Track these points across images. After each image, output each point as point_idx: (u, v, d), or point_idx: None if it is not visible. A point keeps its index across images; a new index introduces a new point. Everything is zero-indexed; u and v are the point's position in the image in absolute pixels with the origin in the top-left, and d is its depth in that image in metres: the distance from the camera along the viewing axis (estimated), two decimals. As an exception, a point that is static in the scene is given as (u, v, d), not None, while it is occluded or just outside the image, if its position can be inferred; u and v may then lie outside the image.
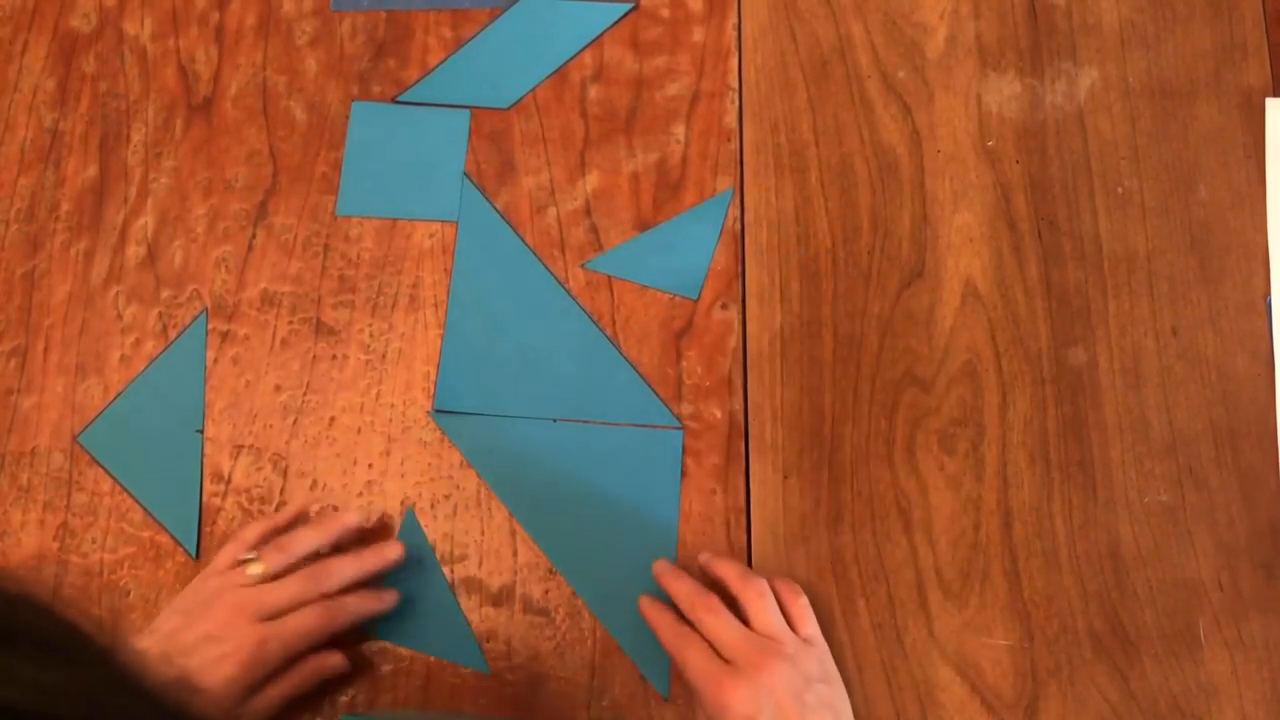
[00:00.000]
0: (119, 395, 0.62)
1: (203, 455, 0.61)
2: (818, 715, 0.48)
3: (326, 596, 0.53)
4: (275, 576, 0.53)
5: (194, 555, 0.59)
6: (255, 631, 0.50)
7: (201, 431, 0.61)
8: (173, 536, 0.59)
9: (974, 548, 0.57)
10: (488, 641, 0.57)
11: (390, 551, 0.56)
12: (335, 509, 0.59)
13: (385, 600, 0.55)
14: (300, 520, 0.58)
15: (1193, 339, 0.59)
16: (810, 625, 0.53)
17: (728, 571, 0.54)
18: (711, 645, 0.50)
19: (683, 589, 0.53)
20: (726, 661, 0.49)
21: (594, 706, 0.56)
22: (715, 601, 0.52)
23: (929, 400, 0.59)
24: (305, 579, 0.53)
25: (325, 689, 0.55)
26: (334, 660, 0.54)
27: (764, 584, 0.53)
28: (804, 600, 0.54)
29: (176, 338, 0.62)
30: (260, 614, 0.51)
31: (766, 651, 0.49)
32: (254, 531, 0.55)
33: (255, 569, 0.53)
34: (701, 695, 0.49)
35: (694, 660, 0.50)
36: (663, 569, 0.55)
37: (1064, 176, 0.62)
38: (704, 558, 0.56)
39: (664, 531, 0.58)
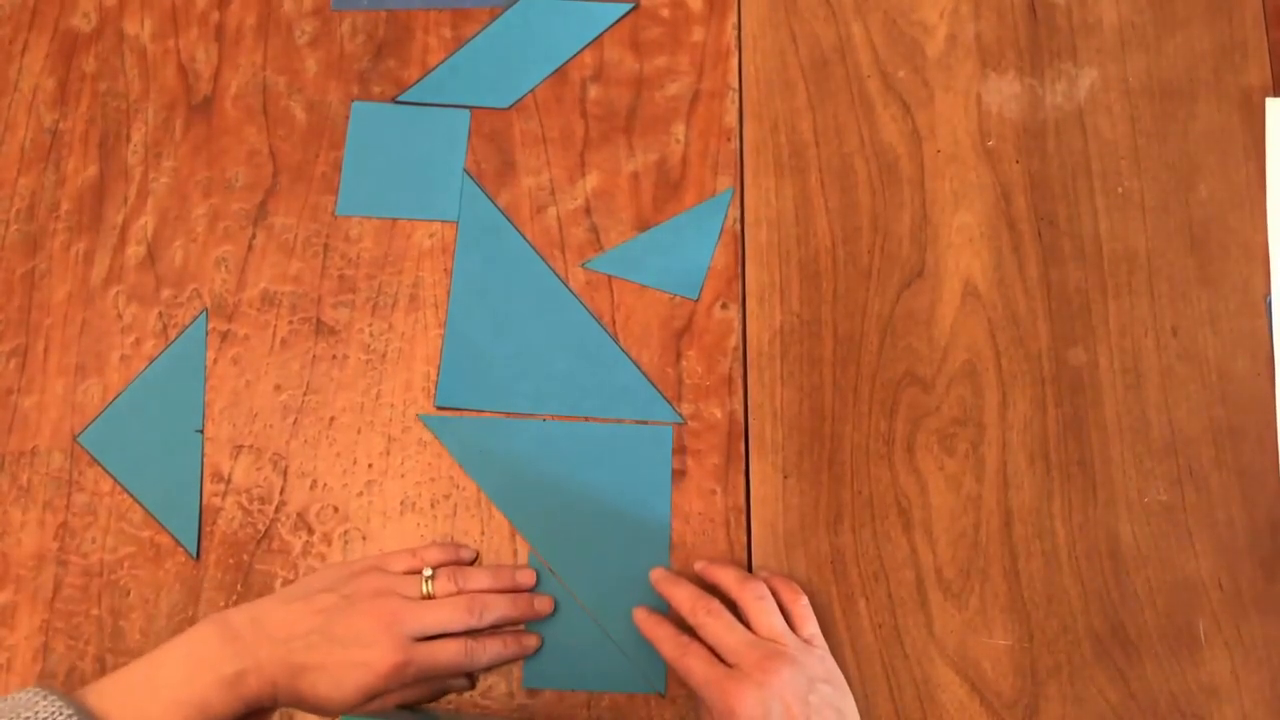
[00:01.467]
0: (119, 395, 0.62)
1: (203, 455, 0.61)
2: (822, 715, 0.48)
3: (473, 631, 0.54)
4: (438, 598, 0.55)
5: (194, 555, 0.59)
6: (401, 652, 0.51)
7: (201, 431, 0.61)
8: (173, 536, 0.59)
9: (974, 548, 0.57)
10: (488, 641, 0.57)
11: (542, 605, 0.57)
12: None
13: (526, 645, 0.56)
14: (476, 560, 0.59)
15: (1193, 339, 0.59)
16: (811, 625, 0.53)
17: (725, 576, 0.54)
18: (713, 650, 0.50)
19: (682, 594, 0.53)
20: (729, 666, 0.49)
21: (594, 706, 0.56)
22: (716, 605, 0.52)
23: (929, 400, 0.59)
24: (461, 610, 0.54)
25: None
26: (456, 683, 0.56)
27: (763, 586, 0.53)
28: (804, 600, 0.54)
29: (176, 338, 0.62)
30: (411, 631, 0.52)
31: (770, 654, 0.49)
32: (436, 556, 0.57)
33: (426, 587, 0.54)
34: (708, 702, 0.49)
35: (697, 668, 0.49)
36: (660, 576, 0.56)
37: (1064, 176, 0.62)
38: (700, 565, 0.56)
39: (658, 527, 0.58)
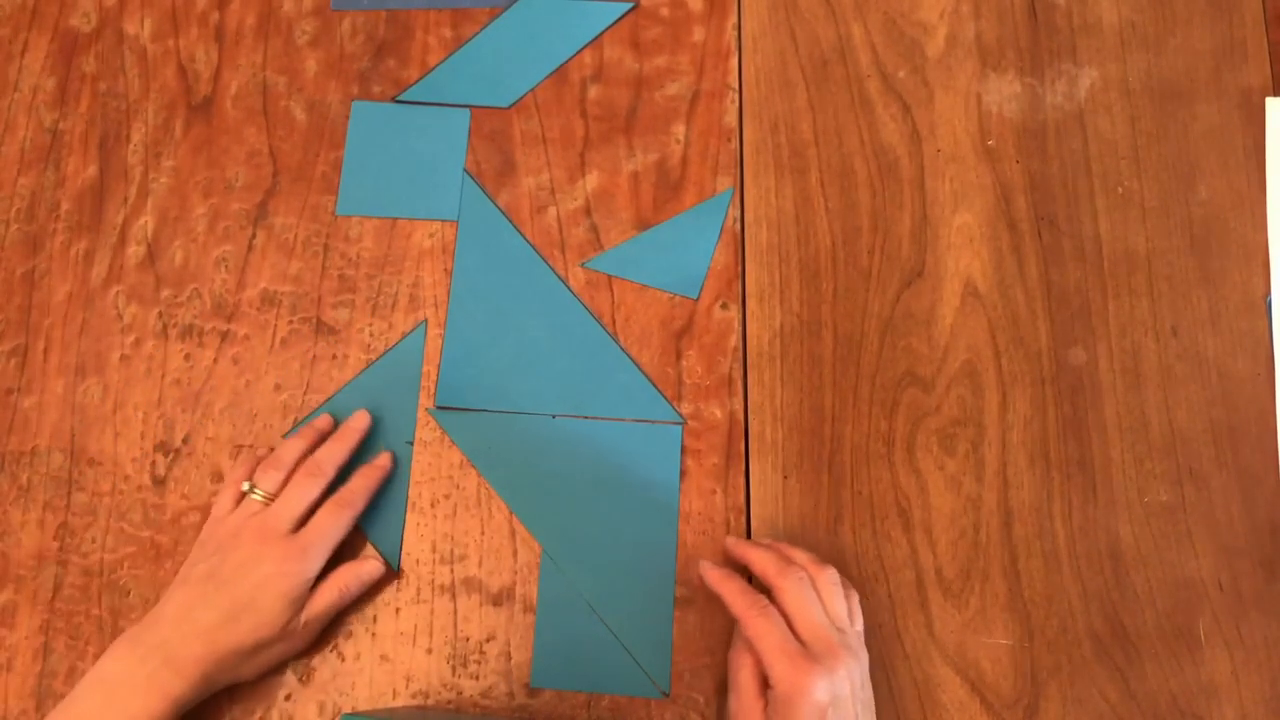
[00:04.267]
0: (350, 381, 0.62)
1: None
2: (869, 710, 0.48)
3: (332, 490, 0.56)
4: (277, 495, 0.55)
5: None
6: (291, 544, 0.53)
7: (411, 443, 0.60)
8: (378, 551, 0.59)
9: (974, 548, 0.57)
10: (487, 641, 0.57)
11: (358, 421, 0.59)
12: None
13: (380, 465, 0.58)
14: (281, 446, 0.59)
15: (1193, 339, 0.59)
16: (860, 620, 0.52)
17: (800, 554, 0.53)
18: (787, 619, 0.49)
19: (767, 556, 0.52)
20: (800, 641, 0.48)
21: (594, 706, 0.56)
22: (804, 575, 0.51)
23: (929, 400, 0.59)
24: (305, 479, 0.55)
25: (368, 597, 0.57)
26: (370, 565, 0.57)
27: (836, 573, 0.52)
28: (856, 596, 0.53)
29: (397, 344, 0.62)
30: (285, 529, 0.54)
31: (842, 643, 0.48)
32: (241, 469, 0.57)
33: (258, 495, 0.55)
34: (774, 671, 0.47)
35: (772, 633, 0.48)
36: (735, 541, 0.55)
37: (1064, 176, 0.62)
38: (768, 543, 0.55)
39: (664, 527, 0.58)
